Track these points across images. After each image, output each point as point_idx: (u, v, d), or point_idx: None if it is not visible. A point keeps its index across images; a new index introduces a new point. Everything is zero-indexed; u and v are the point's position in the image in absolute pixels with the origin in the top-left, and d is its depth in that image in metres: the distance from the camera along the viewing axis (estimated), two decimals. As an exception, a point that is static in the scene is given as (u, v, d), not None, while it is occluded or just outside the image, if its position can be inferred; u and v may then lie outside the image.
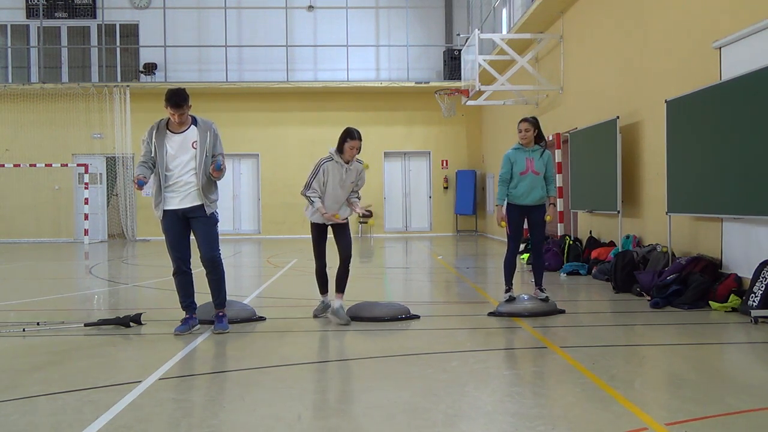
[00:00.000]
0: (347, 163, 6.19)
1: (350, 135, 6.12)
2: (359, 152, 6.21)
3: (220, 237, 6.07)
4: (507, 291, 6.72)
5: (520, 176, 6.66)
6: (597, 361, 4.74)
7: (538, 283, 6.84)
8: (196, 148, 5.74)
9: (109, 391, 4.09)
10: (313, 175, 6.13)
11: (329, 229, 6.40)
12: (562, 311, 6.69)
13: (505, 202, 6.86)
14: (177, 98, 5.62)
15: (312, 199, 6.15)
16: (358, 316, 6.37)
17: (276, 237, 20.85)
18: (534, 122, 6.78)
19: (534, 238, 6.95)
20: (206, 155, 5.76)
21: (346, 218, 6.34)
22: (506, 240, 6.99)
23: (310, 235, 6.44)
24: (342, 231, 6.36)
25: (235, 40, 21.05)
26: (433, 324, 6.31)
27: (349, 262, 6.34)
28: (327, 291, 6.58)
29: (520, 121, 6.82)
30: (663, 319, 6.41)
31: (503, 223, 6.76)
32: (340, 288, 6.29)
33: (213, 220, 5.88)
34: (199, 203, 5.79)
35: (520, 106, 15.48)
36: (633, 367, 4.76)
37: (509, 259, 6.87)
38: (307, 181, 6.19)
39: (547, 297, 6.72)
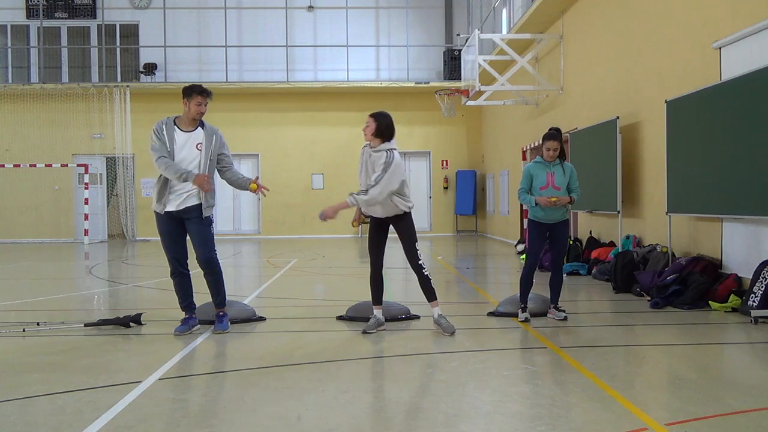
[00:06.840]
0: (369, 146, 5.81)
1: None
2: (374, 134, 5.69)
3: (216, 237, 6.05)
4: (522, 310, 6.38)
5: (540, 191, 6.32)
6: (597, 361, 4.74)
7: (554, 301, 6.52)
8: (200, 150, 5.73)
9: (109, 391, 4.10)
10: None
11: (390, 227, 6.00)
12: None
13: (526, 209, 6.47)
14: (204, 88, 5.76)
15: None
16: (358, 316, 6.38)
17: (276, 237, 20.84)
18: (560, 138, 6.38)
19: (554, 254, 6.59)
20: (211, 159, 5.76)
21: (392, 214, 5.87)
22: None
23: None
24: (401, 228, 5.95)
25: (235, 40, 21.04)
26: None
27: (421, 269, 5.91)
28: (381, 302, 6.06)
29: (547, 140, 6.36)
30: (663, 319, 6.41)
31: (553, 198, 6.22)
32: (430, 297, 5.96)
33: (207, 220, 5.85)
34: (197, 203, 5.75)
35: (520, 106, 15.49)
36: (633, 367, 4.77)
37: (526, 276, 6.43)
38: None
39: (565, 317, 6.38)
